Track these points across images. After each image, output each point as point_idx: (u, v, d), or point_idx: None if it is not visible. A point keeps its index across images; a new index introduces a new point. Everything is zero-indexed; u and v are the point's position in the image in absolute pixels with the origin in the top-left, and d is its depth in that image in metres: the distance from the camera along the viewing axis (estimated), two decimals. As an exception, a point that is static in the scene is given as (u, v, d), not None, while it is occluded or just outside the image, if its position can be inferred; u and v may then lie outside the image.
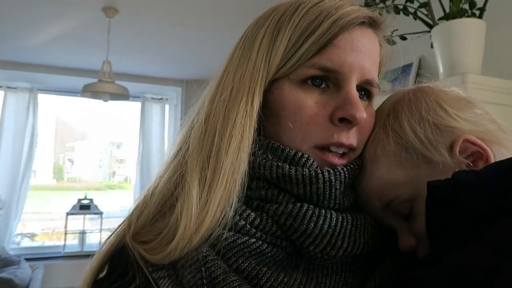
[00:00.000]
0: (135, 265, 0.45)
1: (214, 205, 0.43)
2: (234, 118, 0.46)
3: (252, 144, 0.46)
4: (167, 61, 3.53)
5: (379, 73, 0.52)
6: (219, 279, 0.42)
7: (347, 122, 0.46)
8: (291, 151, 0.46)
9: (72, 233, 3.82)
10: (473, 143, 0.45)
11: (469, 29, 1.24)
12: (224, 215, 0.44)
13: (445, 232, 0.40)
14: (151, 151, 4.08)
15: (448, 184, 0.40)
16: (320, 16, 0.46)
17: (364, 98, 0.49)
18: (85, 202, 3.84)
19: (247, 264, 0.44)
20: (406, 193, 0.46)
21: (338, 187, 0.46)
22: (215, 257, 0.44)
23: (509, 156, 0.42)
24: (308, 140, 0.46)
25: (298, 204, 0.45)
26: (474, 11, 1.25)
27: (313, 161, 0.46)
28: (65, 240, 3.75)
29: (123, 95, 2.39)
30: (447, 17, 1.29)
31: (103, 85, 2.28)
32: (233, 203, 0.44)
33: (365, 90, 0.49)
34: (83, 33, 2.82)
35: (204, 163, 0.46)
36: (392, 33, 1.50)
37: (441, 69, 1.28)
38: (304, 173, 0.45)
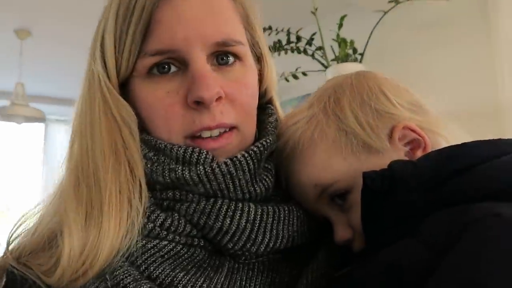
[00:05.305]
0: (30, 281, 0.41)
1: (108, 232, 0.39)
2: (100, 133, 0.42)
3: (139, 148, 0.43)
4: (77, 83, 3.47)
5: (249, 26, 0.47)
6: (129, 287, 0.38)
7: (202, 103, 0.41)
8: (180, 149, 0.41)
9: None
10: (412, 130, 0.45)
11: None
12: (127, 235, 0.40)
13: (380, 225, 0.39)
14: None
15: (384, 175, 0.39)
16: None
17: (230, 63, 0.44)
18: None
19: (160, 270, 0.40)
20: (343, 181, 0.44)
21: (241, 176, 0.42)
22: (125, 264, 0.40)
23: (445, 146, 0.42)
24: (174, 133, 0.42)
25: (212, 200, 0.42)
26: (357, 55, 1.66)
27: (207, 154, 0.41)
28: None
29: (39, 118, 2.36)
30: (337, 59, 1.68)
31: (17, 108, 2.23)
32: (136, 221, 0.40)
33: (227, 53, 0.44)
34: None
35: (83, 190, 0.42)
36: (296, 70, 1.85)
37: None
38: (199, 172, 0.40)
